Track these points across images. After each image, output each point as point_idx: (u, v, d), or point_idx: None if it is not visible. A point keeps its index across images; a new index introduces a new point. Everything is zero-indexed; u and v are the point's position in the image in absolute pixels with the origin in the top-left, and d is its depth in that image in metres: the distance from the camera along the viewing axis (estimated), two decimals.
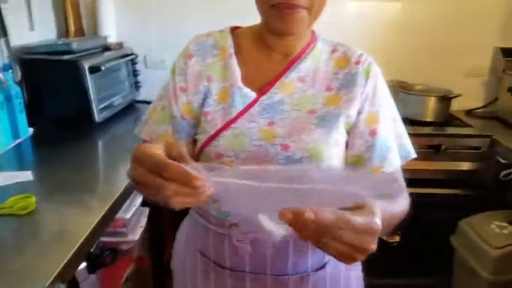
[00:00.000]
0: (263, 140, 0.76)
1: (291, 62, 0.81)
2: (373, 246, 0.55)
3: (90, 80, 1.71)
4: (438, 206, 1.96)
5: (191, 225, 0.94)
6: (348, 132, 0.80)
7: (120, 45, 2.12)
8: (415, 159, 1.88)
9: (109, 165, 1.56)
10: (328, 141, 0.76)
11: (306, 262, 0.82)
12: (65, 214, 1.10)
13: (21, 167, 1.42)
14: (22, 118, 1.66)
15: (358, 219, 0.53)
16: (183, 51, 0.85)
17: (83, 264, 1.25)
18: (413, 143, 1.88)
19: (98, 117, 1.77)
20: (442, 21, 2.22)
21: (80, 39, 2.08)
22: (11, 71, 1.62)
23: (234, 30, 0.87)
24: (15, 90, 1.61)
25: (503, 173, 1.80)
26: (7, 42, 1.67)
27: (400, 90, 2.13)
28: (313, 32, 0.85)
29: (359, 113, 0.79)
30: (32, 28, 1.91)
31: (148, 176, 0.53)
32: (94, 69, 1.72)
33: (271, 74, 0.80)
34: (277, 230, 0.53)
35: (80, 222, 1.04)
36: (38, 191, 1.18)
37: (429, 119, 2.04)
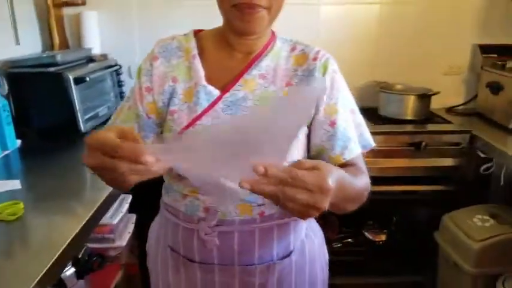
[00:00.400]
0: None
1: (252, 60, 0.85)
2: (325, 205, 0.60)
3: (75, 91, 1.74)
4: (422, 202, 2.01)
5: (161, 223, 0.98)
6: (309, 125, 0.85)
7: (104, 57, 2.16)
8: (397, 156, 1.93)
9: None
10: None
11: (271, 251, 0.87)
12: (52, 220, 1.13)
13: (9, 177, 1.45)
14: (10, 130, 1.69)
15: (309, 177, 0.58)
16: (149, 54, 0.90)
17: (72, 270, 1.28)
18: (394, 141, 1.94)
19: (83, 127, 1.80)
20: (419, 21, 2.27)
21: (65, 51, 2.12)
22: None
23: (197, 33, 0.91)
24: (3, 103, 1.64)
25: (483, 167, 1.85)
26: None
27: (381, 90, 2.18)
28: (272, 32, 0.90)
29: (318, 105, 0.84)
30: (17, 42, 1.94)
31: (102, 158, 0.57)
32: (79, 80, 1.75)
33: (234, 72, 0.84)
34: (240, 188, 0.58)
35: (66, 227, 1.07)
36: (26, 199, 1.22)
37: (409, 117, 2.09)
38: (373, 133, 1.88)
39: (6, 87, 1.76)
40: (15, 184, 1.36)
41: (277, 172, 0.57)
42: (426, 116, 2.13)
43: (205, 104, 0.82)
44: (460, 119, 2.17)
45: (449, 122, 2.10)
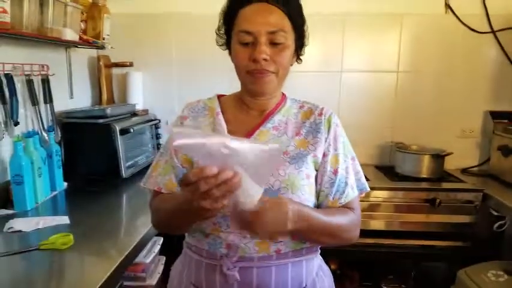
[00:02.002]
0: None
1: (266, 115, 1.01)
2: (279, 236, 0.87)
3: (120, 141, 1.95)
4: (438, 257, 2.06)
5: (184, 262, 1.06)
6: (317, 170, 0.98)
7: (145, 112, 2.41)
8: (413, 211, 2.02)
9: (132, 215, 1.75)
10: (300, 175, 0.93)
11: (286, 285, 0.95)
12: (93, 258, 1.28)
13: (56, 214, 1.62)
14: (59, 173, 1.89)
15: (266, 216, 0.79)
16: (179, 115, 1.07)
17: None
18: (410, 197, 2.04)
19: (124, 173, 1.99)
20: (435, 88, 2.46)
21: (112, 105, 2.37)
22: (53, 132, 1.89)
23: (220, 97, 1.08)
24: (56, 148, 1.86)
25: (496, 224, 1.92)
26: (52, 108, 1.95)
27: (397, 149, 2.32)
28: (283, 94, 1.07)
29: (324, 155, 0.98)
30: (71, 96, 2.21)
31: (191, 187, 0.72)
32: (124, 131, 1.97)
33: (251, 126, 1.00)
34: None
35: (102, 266, 1.19)
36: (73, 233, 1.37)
37: (424, 175, 2.22)
38: (390, 189, 2.03)
39: (59, 134, 1.99)
40: (64, 219, 1.53)
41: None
42: (441, 175, 2.25)
43: None
44: (473, 179, 2.28)
45: (462, 181, 2.20)
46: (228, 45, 1.00)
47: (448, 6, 2.37)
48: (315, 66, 2.48)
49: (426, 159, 2.21)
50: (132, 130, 1.99)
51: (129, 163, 2.05)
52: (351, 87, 2.49)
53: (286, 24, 0.92)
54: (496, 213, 1.94)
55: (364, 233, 2.06)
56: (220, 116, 1.01)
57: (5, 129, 1.66)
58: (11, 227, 1.43)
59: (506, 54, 2.38)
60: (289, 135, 0.99)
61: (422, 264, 2.13)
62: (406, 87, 2.48)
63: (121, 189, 1.97)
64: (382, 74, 2.48)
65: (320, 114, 1.01)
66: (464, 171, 2.42)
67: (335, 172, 0.97)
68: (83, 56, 2.36)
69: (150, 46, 2.50)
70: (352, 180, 0.99)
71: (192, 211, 0.78)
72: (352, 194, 0.98)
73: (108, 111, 2.01)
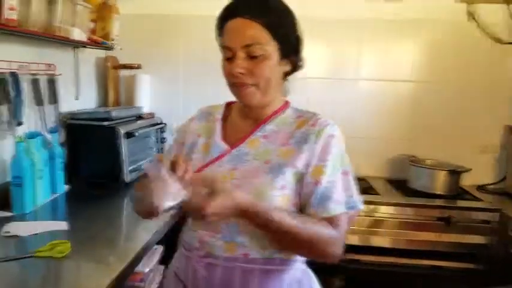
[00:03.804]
0: (225, 180, 0.95)
1: (258, 125, 1.03)
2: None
3: (124, 144, 1.90)
4: (449, 279, 1.97)
5: (176, 256, 1.12)
6: (299, 181, 0.95)
7: (151, 115, 2.36)
8: (425, 230, 1.94)
9: (132, 221, 1.68)
10: (273, 185, 0.92)
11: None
12: (92, 265, 1.22)
13: (55, 218, 1.58)
14: (60, 176, 1.84)
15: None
16: (191, 117, 1.16)
17: None
18: (423, 215, 1.96)
19: (127, 177, 1.93)
20: (453, 100, 2.37)
21: (118, 108, 2.33)
22: (57, 133, 1.84)
23: (230, 104, 1.12)
24: (58, 150, 1.81)
25: None
26: (56, 109, 1.91)
27: (411, 163, 2.24)
28: (286, 101, 1.07)
29: (307, 166, 0.94)
30: (77, 97, 2.17)
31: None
32: (129, 135, 1.92)
33: (244, 133, 1.03)
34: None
35: (101, 275, 1.15)
36: (71, 239, 1.32)
37: (439, 191, 2.13)
38: (402, 205, 1.94)
39: (63, 136, 1.94)
40: (62, 225, 1.48)
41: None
42: (456, 192, 2.16)
43: (215, 155, 1.01)
44: (490, 197, 2.18)
45: (479, 200, 2.11)
46: None
47: (470, 13, 2.28)
48: (329, 73, 2.42)
49: (442, 175, 2.13)
50: (137, 134, 1.94)
51: (132, 167, 2.00)
52: (366, 95, 2.42)
53: (264, 36, 0.93)
54: None
55: (370, 250, 2.00)
56: (219, 123, 1.07)
57: (8, 129, 1.62)
58: (8, 231, 1.39)
59: None
60: (277, 144, 0.99)
61: (432, 285, 2.03)
62: (423, 97, 2.40)
63: (122, 193, 1.91)
64: (397, 83, 2.41)
65: (313, 125, 0.98)
66: (481, 188, 2.32)
67: (316, 183, 0.93)
68: (90, 56, 2.32)
69: (158, 48, 2.46)
70: (340, 195, 0.94)
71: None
72: (335, 209, 0.92)
73: (114, 113, 1.96)
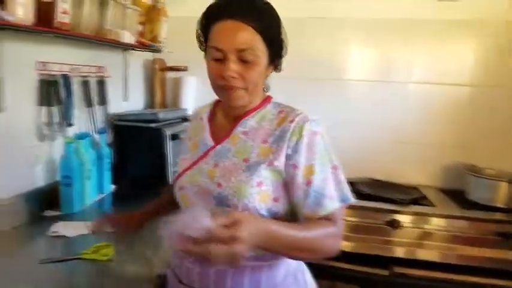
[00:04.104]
0: (208, 178, 0.97)
1: (238, 119, 1.02)
2: (241, 250, 0.73)
3: (169, 146, 1.90)
4: None
5: (172, 254, 1.11)
6: (287, 181, 0.95)
7: None
8: (479, 245, 1.79)
9: None
10: (249, 183, 0.92)
11: (242, 283, 0.96)
12: (131, 270, 1.23)
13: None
14: (107, 176, 1.87)
15: (223, 231, 0.73)
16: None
17: None
18: (479, 229, 1.81)
19: (171, 178, 1.93)
20: None
21: (164, 110, 2.34)
22: (105, 134, 1.87)
23: (218, 102, 1.12)
24: (106, 151, 1.84)
25: None
26: (105, 110, 1.94)
27: (469, 173, 2.09)
28: (268, 97, 1.06)
29: (294, 166, 0.93)
30: (125, 99, 2.20)
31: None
32: (174, 137, 1.92)
33: (227, 130, 1.04)
34: None
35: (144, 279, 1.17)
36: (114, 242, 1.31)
37: (500, 204, 1.96)
38: (457, 217, 1.81)
39: (111, 137, 1.98)
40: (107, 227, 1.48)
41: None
42: None
43: (201, 152, 1.03)
44: None
45: None
46: (205, 52, 1.01)
47: None
48: (374, 75, 2.32)
49: (504, 187, 1.96)
50: (182, 136, 1.93)
51: (176, 168, 1.99)
52: (417, 99, 2.29)
53: (257, 40, 0.93)
54: None
55: (417, 264, 1.88)
56: (205, 122, 1.08)
57: (59, 130, 1.66)
58: (55, 231, 1.42)
59: None
60: (256, 141, 0.99)
61: None
62: (482, 102, 2.24)
63: None
64: (453, 87, 2.25)
65: (291, 121, 0.97)
66: None
67: (308, 183, 0.93)
68: (139, 59, 2.35)
69: None
70: (332, 190, 0.94)
71: None
72: (331, 205, 0.93)
73: (161, 115, 1.97)
